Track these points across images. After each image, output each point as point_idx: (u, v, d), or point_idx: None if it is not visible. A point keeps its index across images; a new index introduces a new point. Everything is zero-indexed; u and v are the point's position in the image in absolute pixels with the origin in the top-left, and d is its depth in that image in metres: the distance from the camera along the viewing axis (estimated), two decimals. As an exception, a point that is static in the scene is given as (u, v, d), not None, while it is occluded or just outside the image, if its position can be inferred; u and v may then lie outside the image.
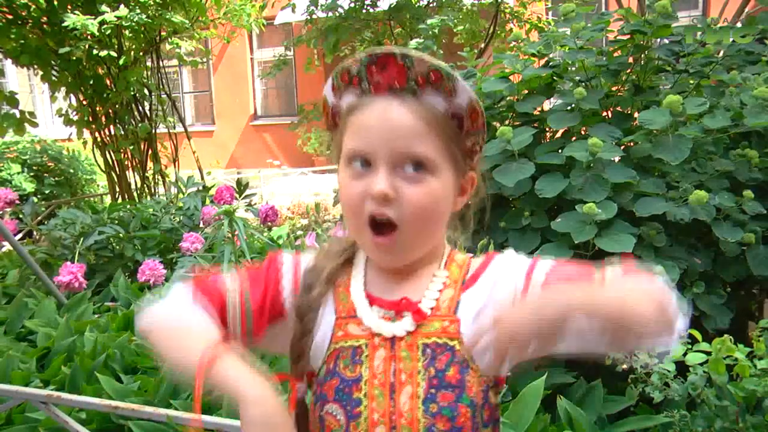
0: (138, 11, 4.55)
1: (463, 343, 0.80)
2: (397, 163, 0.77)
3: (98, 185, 7.22)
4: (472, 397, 0.78)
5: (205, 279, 0.86)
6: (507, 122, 2.48)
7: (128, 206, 4.27)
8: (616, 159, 2.19)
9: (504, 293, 0.81)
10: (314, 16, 6.52)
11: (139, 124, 5.22)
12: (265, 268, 0.89)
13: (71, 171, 6.78)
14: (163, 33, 5.31)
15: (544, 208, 2.17)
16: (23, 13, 4.61)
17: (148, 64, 5.46)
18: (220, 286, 0.85)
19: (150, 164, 5.43)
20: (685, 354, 1.54)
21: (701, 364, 1.52)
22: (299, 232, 4.40)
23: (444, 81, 0.77)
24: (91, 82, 4.97)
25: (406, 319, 0.81)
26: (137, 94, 5.27)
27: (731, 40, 2.34)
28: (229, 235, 1.80)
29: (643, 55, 2.44)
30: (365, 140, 0.78)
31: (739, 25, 3.17)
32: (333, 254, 0.89)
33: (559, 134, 2.49)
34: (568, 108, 2.33)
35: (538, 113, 2.46)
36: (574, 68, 2.48)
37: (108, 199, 5.72)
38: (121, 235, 3.80)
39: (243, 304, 0.84)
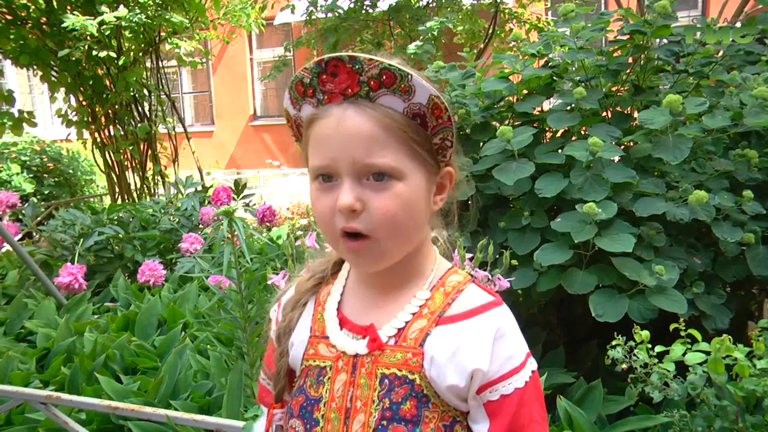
0: (137, 12, 4.55)
1: (425, 377, 0.78)
2: (361, 174, 0.75)
3: (98, 186, 7.22)
4: None
5: (261, 387, 0.97)
6: (507, 122, 2.48)
7: (128, 207, 4.27)
8: (616, 159, 2.19)
9: (475, 359, 0.77)
10: (313, 17, 6.52)
11: (139, 125, 5.22)
12: (269, 332, 0.95)
13: (71, 171, 6.78)
14: (163, 33, 5.31)
15: (543, 208, 2.17)
16: (23, 14, 4.61)
17: (148, 64, 5.46)
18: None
19: (149, 165, 5.43)
20: (684, 354, 1.53)
21: (701, 364, 1.52)
22: (299, 233, 4.39)
23: (397, 81, 0.74)
24: (91, 83, 4.97)
25: (363, 341, 0.81)
26: (137, 95, 5.28)
27: (731, 40, 2.34)
28: (229, 235, 1.79)
29: (642, 55, 2.43)
30: (326, 155, 0.76)
31: (738, 25, 3.17)
32: (305, 279, 0.92)
33: (558, 134, 2.49)
34: (568, 108, 2.33)
35: (537, 113, 2.45)
36: (573, 68, 2.48)
37: (107, 200, 5.72)
38: (120, 235, 3.80)
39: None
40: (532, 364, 0.81)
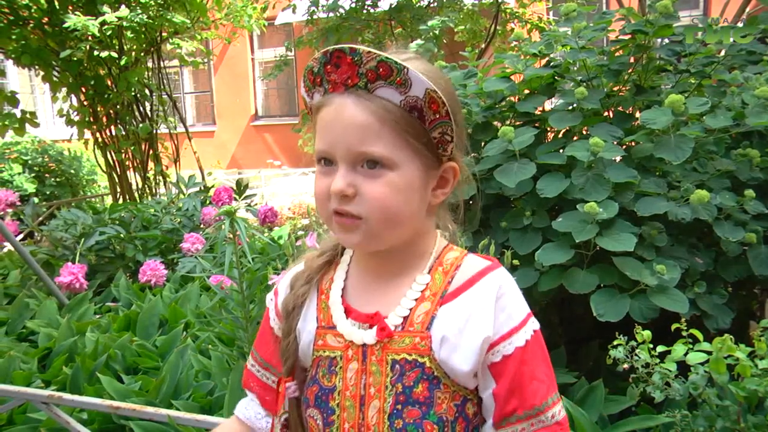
0: (139, 12, 4.55)
1: (434, 360, 0.80)
2: (355, 161, 0.79)
3: (99, 186, 7.23)
4: (441, 414, 0.79)
5: (248, 372, 0.99)
6: (508, 122, 2.48)
7: (129, 207, 4.27)
8: (618, 159, 2.19)
9: (483, 327, 0.80)
10: (315, 17, 6.52)
11: (140, 125, 5.22)
12: (263, 319, 0.97)
13: (72, 171, 6.78)
14: (164, 33, 5.31)
15: (545, 208, 2.16)
16: (24, 14, 4.61)
17: (149, 64, 5.47)
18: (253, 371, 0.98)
19: (151, 165, 5.44)
20: (686, 354, 1.53)
21: (702, 364, 1.52)
22: (300, 233, 4.40)
23: (394, 74, 0.76)
24: (92, 83, 4.98)
25: (370, 331, 0.83)
26: (138, 95, 5.28)
27: (732, 40, 2.33)
28: (230, 235, 1.80)
29: (644, 55, 2.43)
30: (326, 140, 0.80)
31: (740, 24, 3.17)
32: (316, 255, 0.94)
33: (560, 134, 2.49)
34: (570, 108, 2.33)
35: (539, 113, 2.45)
36: (575, 68, 2.48)
37: (109, 200, 5.73)
38: (122, 235, 3.81)
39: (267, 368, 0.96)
40: (534, 324, 0.83)
